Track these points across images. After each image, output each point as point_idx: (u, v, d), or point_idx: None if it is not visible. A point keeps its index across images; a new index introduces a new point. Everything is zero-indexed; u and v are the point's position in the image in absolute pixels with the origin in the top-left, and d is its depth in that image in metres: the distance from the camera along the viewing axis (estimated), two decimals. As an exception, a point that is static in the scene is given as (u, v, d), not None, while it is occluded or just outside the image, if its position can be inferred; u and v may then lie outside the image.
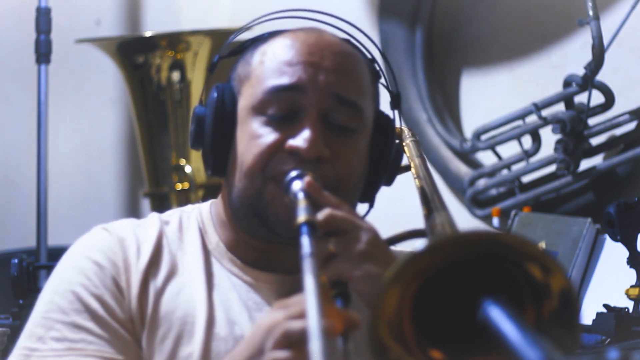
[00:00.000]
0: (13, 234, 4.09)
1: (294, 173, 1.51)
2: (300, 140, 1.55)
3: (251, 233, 1.61)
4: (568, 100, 2.88)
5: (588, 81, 2.80)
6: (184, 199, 3.60)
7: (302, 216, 1.40)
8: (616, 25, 2.80)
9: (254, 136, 1.57)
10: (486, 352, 1.27)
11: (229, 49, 1.68)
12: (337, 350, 1.30)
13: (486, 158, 3.17)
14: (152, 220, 1.66)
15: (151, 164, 3.74)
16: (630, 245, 2.36)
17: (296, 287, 1.31)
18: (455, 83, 3.32)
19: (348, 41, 1.64)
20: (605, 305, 2.35)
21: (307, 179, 1.49)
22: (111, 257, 1.59)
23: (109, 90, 4.10)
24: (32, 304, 1.61)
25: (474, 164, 3.18)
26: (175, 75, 3.63)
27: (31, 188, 3.57)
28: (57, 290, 1.58)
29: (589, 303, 2.48)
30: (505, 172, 3.07)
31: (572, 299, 1.23)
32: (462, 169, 3.18)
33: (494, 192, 3.09)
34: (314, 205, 1.45)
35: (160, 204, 3.68)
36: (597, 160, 2.92)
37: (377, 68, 1.66)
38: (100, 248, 1.60)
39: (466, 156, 3.19)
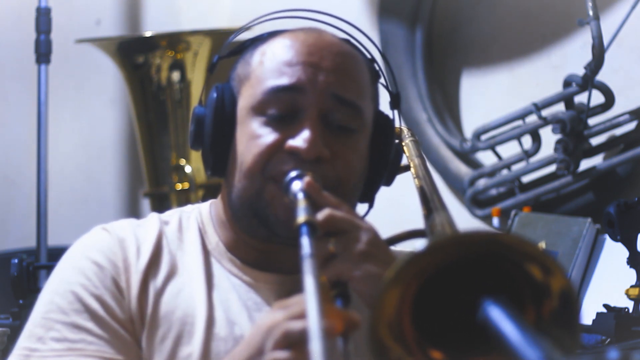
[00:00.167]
0: (13, 234, 4.09)
1: (293, 173, 1.51)
2: (300, 140, 1.54)
3: (251, 233, 1.61)
4: (568, 100, 2.88)
5: (588, 81, 2.80)
6: (184, 199, 3.60)
7: (301, 216, 1.40)
8: (616, 25, 2.80)
9: (254, 136, 1.57)
10: (486, 352, 1.27)
11: (229, 49, 1.68)
12: (337, 350, 1.30)
13: (486, 158, 3.17)
14: (151, 221, 1.66)
15: (151, 164, 3.74)
16: (630, 245, 2.36)
17: (296, 288, 1.30)
18: (455, 83, 3.32)
19: (348, 41, 1.64)
20: (605, 305, 2.35)
21: (306, 179, 1.49)
22: (111, 257, 1.59)
23: (109, 90, 4.10)
24: (32, 304, 1.61)
25: (474, 164, 3.18)
26: (175, 75, 3.63)
27: (31, 188, 3.57)
28: (57, 290, 1.58)
29: (589, 303, 2.47)
30: (505, 172, 3.07)
31: (572, 299, 1.23)
32: (462, 169, 3.18)
33: (494, 192, 3.09)
34: (314, 205, 1.45)
35: (160, 204, 3.68)
36: (597, 160, 2.92)
37: (377, 68, 1.66)
38: (100, 248, 1.60)
39: (466, 156, 3.19)
